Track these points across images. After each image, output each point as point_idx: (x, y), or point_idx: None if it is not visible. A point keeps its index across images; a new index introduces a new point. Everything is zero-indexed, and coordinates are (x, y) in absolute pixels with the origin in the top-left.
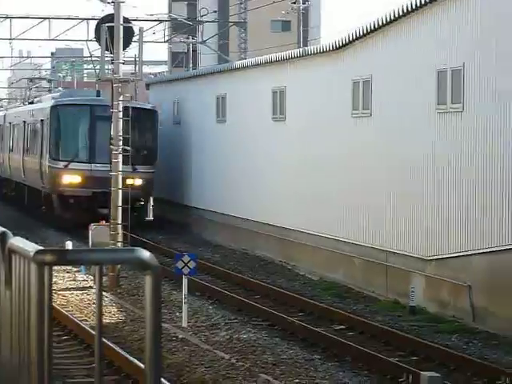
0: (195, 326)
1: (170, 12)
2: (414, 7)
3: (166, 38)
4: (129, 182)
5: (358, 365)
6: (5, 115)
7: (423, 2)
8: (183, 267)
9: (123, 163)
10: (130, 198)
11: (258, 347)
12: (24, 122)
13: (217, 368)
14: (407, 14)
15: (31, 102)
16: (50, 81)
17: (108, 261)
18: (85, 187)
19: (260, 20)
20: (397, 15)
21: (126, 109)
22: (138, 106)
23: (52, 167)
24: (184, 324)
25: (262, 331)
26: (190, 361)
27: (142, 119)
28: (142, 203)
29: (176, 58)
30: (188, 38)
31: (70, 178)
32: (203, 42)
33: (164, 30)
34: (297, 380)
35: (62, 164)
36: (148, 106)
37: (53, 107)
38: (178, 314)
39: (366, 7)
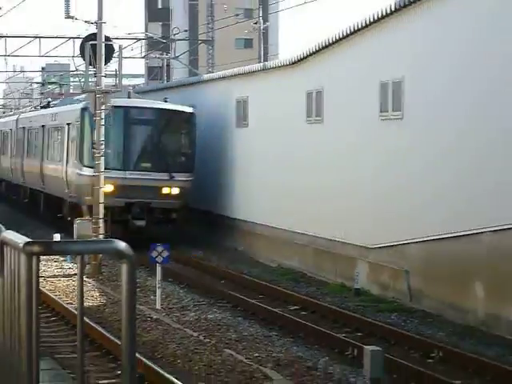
0: (168, 308)
1: (146, 31)
2: (360, 27)
3: (143, 54)
4: (165, 191)
5: (310, 340)
6: (17, 120)
7: (368, 23)
8: (157, 256)
9: (160, 170)
10: (166, 208)
11: (222, 326)
12: (43, 126)
13: (187, 344)
14: (354, 32)
15: (44, 107)
16: (61, 85)
17: (88, 251)
18: (118, 197)
19: (226, 38)
20: (345, 34)
21: (163, 110)
22: (175, 108)
23: (82, 175)
24: (158, 306)
25: (227, 312)
26: (163, 338)
27: (179, 122)
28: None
29: (152, 72)
30: (162, 54)
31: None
32: (176, 58)
33: (141, 47)
34: (256, 354)
35: (93, 171)
36: (186, 108)
37: (83, 109)
38: (152, 297)
39: (317, 27)
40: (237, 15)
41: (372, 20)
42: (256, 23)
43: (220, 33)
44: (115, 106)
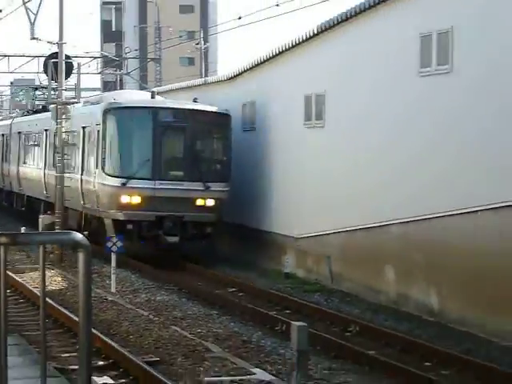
0: (122, 291)
1: (101, 50)
2: (286, 48)
3: (99, 71)
4: (199, 202)
5: (246, 317)
6: (11, 124)
7: (294, 44)
8: (112, 246)
9: (193, 180)
10: (200, 222)
11: (169, 306)
12: (46, 130)
13: (138, 322)
14: (282, 52)
15: (36, 111)
16: (54, 89)
17: (49, 241)
18: (146, 210)
19: (171, 57)
20: (275, 53)
21: (196, 112)
22: (209, 109)
23: (105, 185)
24: (113, 289)
25: (173, 294)
26: (117, 317)
27: (214, 125)
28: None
29: (107, 86)
30: (116, 71)
31: (129, 199)
32: (127, 74)
33: (97, 64)
34: (199, 330)
35: (118, 181)
36: (221, 110)
37: (107, 111)
38: (108, 281)
39: (251, 47)
40: (180, 37)
41: (296, 43)
42: (197, 44)
43: (166, 52)
44: (141, 107)
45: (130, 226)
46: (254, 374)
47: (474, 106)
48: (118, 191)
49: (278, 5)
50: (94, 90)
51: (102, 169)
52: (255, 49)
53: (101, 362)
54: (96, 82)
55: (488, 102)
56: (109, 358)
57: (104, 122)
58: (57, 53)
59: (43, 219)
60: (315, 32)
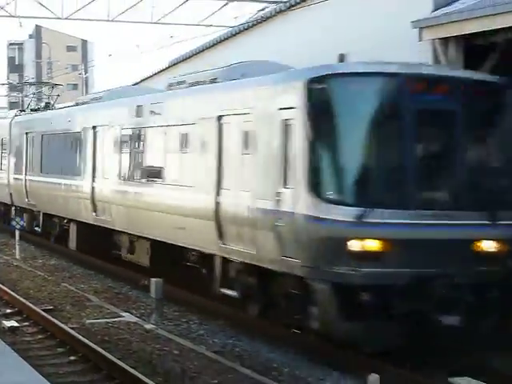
0: (24, 258)
1: (8, 79)
2: (151, 74)
3: (6, 94)
4: (484, 247)
5: (117, 276)
6: (11, 122)
7: (154, 73)
8: (16, 224)
9: (473, 208)
10: (482, 285)
11: (59, 269)
12: (91, 127)
13: (36, 280)
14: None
15: (35, 109)
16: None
17: None
18: (397, 266)
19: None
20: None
21: (474, 85)
22: (491, 80)
23: (320, 220)
24: (17, 256)
25: (62, 259)
26: (21, 277)
27: (499, 108)
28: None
29: (13, 106)
30: (18, 94)
31: (363, 246)
32: (27, 96)
33: (4, 89)
34: (82, 285)
35: (351, 213)
36: (502, 80)
37: (316, 83)
38: (13, 251)
39: (119, 76)
40: (66, 68)
41: (155, 72)
42: (80, 74)
43: (56, 79)
44: (387, 74)
45: (366, 297)
46: (124, 316)
47: None
48: (347, 231)
49: (138, 46)
50: (2, 109)
51: (314, 189)
52: (123, 77)
53: (8, 310)
54: (4, 102)
55: None
56: (14, 307)
57: (313, 103)
58: None
59: None
60: (167, 66)
